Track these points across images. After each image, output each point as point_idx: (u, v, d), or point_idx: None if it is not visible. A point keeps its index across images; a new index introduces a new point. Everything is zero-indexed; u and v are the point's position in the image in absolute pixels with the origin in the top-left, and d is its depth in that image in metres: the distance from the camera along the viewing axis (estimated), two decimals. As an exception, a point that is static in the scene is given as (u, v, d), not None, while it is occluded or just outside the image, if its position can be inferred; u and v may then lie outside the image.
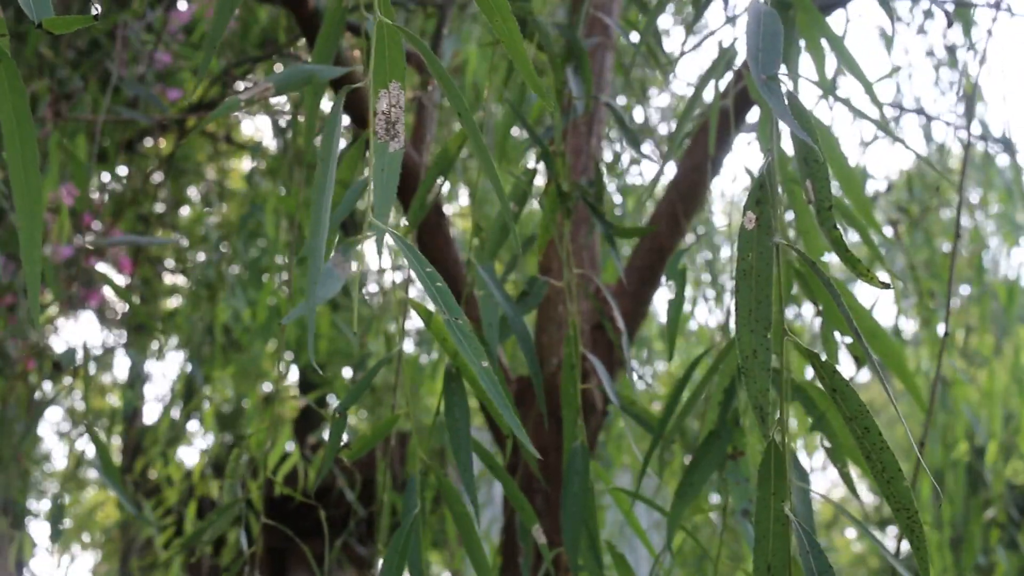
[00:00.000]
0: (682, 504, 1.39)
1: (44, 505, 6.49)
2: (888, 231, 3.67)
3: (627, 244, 2.76)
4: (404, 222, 1.76)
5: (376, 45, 0.89)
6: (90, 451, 2.24)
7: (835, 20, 2.93)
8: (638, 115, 3.82)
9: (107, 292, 3.39)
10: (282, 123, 3.66)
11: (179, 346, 4.20)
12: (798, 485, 1.29)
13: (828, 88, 1.65)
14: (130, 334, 4.05)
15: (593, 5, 2.21)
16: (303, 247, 1.54)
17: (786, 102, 0.92)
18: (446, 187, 3.94)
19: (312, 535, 2.74)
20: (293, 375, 4.81)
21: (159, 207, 4.28)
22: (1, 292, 2.99)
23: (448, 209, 4.08)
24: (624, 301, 2.20)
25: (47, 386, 3.45)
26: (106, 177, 3.65)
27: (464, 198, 4.47)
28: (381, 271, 4.01)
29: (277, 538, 3.56)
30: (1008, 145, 3.09)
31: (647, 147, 3.66)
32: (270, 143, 4.61)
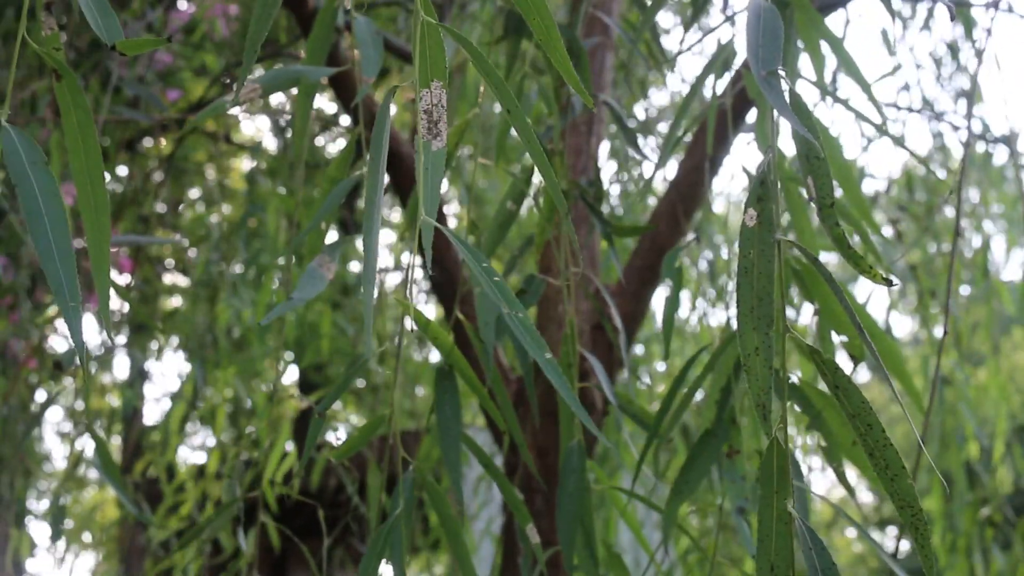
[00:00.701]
0: (678, 501, 1.39)
1: (44, 505, 6.49)
2: (889, 230, 3.67)
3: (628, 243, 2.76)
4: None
5: (420, 44, 0.89)
6: (90, 450, 2.24)
7: (835, 20, 2.93)
8: (640, 115, 3.82)
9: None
10: (282, 123, 3.67)
11: (179, 346, 4.20)
12: (796, 484, 1.28)
13: (826, 89, 1.65)
14: (130, 334, 4.04)
15: (593, 4, 2.21)
16: (295, 243, 1.54)
17: (787, 99, 0.92)
18: (445, 185, 3.93)
19: (311, 534, 2.74)
20: (293, 375, 4.82)
21: (159, 207, 4.28)
22: (1, 293, 2.99)
23: (448, 209, 4.08)
24: (624, 301, 2.20)
25: (47, 386, 3.45)
26: (106, 177, 3.64)
27: (460, 200, 4.46)
28: (383, 271, 4.00)
29: (259, 535, 3.56)
30: (1009, 144, 3.08)
31: (648, 146, 3.66)
32: (270, 143, 4.61)
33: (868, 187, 3.91)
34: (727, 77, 1.99)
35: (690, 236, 2.25)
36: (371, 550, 1.18)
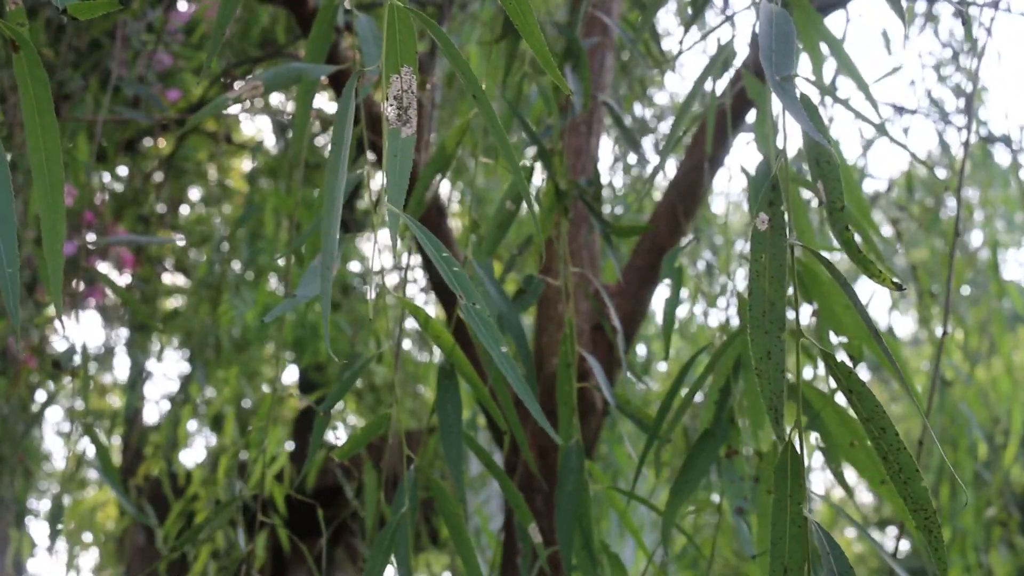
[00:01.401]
0: (677, 502, 1.39)
1: (44, 505, 6.49)
2: (890, 230, 3.67)
3: (626, 243, 2.76)
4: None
5: (387, 29, 0.88)
6: (90, 451, 2.24)
7: (834, 20, 2.93)
8: (640, 115, 3.82)
9: (108, 291, 3.40)
10: (283, 122, 3.67)
11: (180, 345, 4.20)
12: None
13: (826, 89, 1.65)
14: (131, 334, 4.05)
15: (592, 4, 2.21)
16: (296, 244, 1.54)
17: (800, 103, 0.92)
18: (446, 186, 3.93)
19: (312, 534, 2.74)
20: (293, 375, 4.81)
21: (159, 207, 4.29)
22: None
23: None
24: (623, 301, 2.20)
25: (47, 386, 3.45)
26: (106, 177, 3.65)
27: (462, 199, 4.46)
28: (382, 271, 4.00)
29: (276, 537, 3.56)
30: (1009, 144, 3.08)
31: (649, 147, 3.66)
32: (270, 143, 4.61)
33: (868, 187, 3.91)
34: (726, 77, 1.99)
35: (689, 237, 2.25)
36: (377, 549, 1.18)
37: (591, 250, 2.22)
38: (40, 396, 3.41)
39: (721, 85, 1.89)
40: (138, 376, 4.02)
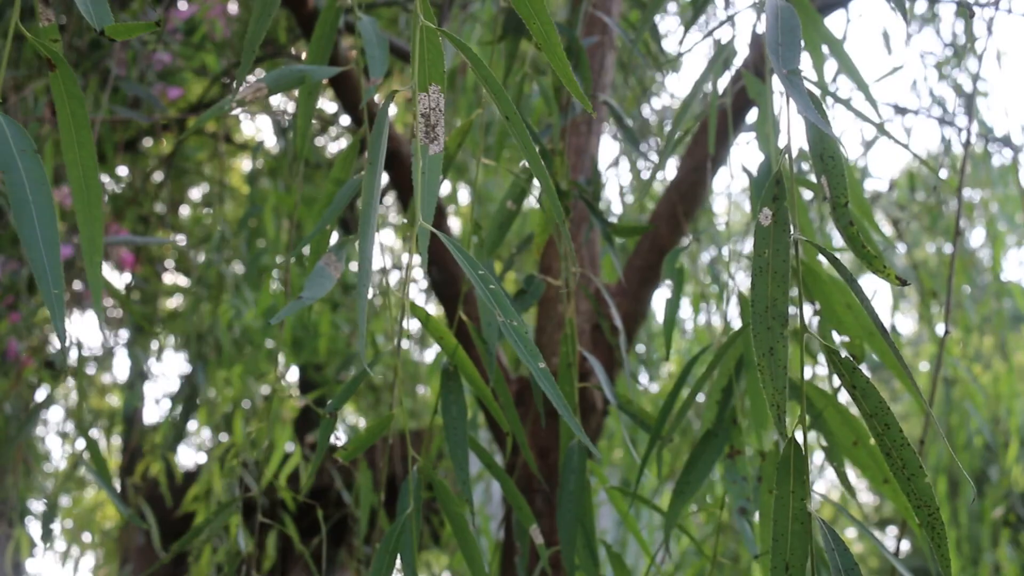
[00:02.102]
0: (680, 503, 1.39)
1: (43, 505, 6.47)
2: (890, 230, 3.67)
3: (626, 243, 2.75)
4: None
5: (418, 48, 0.89)
6: (86, 451, 2.24)
7: (835, 20, 2.93)
8: (645, 113, 3.82)
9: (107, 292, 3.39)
10: (283, 123, 3.66)
11: (179, 345, 4.19)
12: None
13: (827, 89, 1.65)
14: (131, 334, 4.04)
15: (593, 4, 2.20)
16: (300, 245, 1.54)
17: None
18: (447, 187, 3.93)
19: (313, 535, 2.74)
20: (293, 375, 4.81)
21: (159, 207, 4.28)
22: (1, 293, 2.98)
23: (449, 209, 4.07)
24: (624, 301, 2.20)
25: (47, 386, 3.45)
26: (106, 177, 3.64)
27: (463, 198, 4.46)
28: (383, 271, 4.00)
29: (279, 537, 3.56)
30: (1009, 144, 3.08)
31: (649, 146, 3.66)
32: (271, 143, 4.61)
33: (869, 187, 3.91)
34: (727, 76, 1.99)
35: (689, 237, 2.25)
36: (383, 548, 1.18)
37: (591, 250, 2.22)
38: (40, 396, 3.41)
39: (721, 85, 1.88)
40: (138, 376, 4.01)
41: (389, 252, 4.36)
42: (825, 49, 1.64)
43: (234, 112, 4.04)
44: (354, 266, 4.47)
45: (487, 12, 2.91)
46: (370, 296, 4.26)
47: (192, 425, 3.99)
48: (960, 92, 3.19)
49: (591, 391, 2.05)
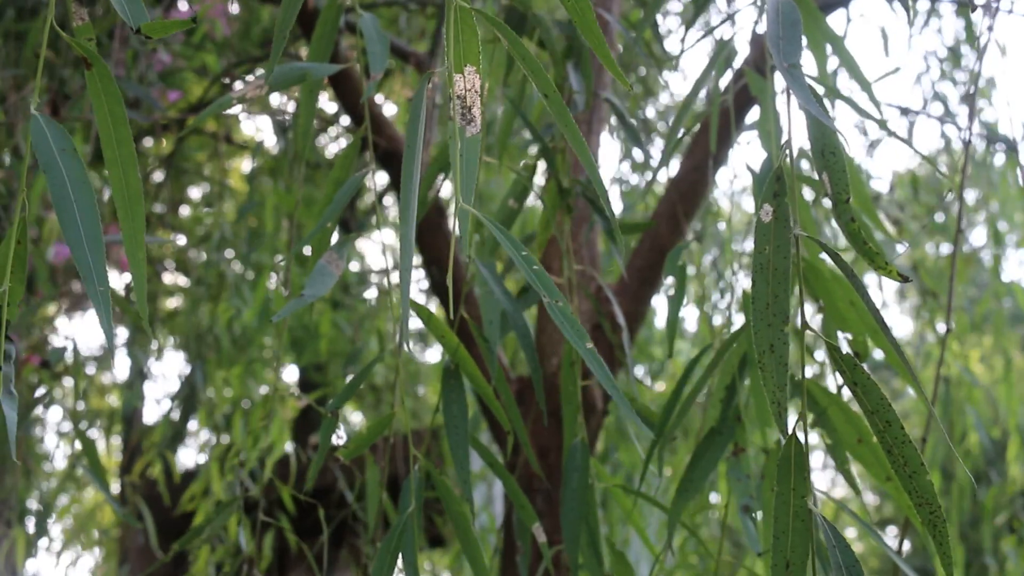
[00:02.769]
0: (683, 501, 1.39)
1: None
2: (891, 229, 3.66)
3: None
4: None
5: (452, 29, 0.88)
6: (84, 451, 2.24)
7: (835, 20, 2.93)
8: (640, 114, 3.82)
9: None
10: (284, 122, 3.66)
11: (179, 346, 4.19)
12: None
13: (830, 87, 1.65)
14: (131, 333, 4.04)
15: (594, 2, 2.20)
16: (300, 245, 1.54)
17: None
18: (448, 187, 3.93)
19: (313, 534, 2.73)
20: (293, 375, 4.81)
21: (159, 207, 4.28)
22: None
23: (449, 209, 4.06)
24: (624, 301, 2.20)
25: (45, 386, 3.44)
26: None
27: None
28: (384, 271, 4.00)
29: (276, 537, 3.55)
30: (1010, 144, 3.08)
31: (650, 146, 3.66)
32: (271, 143, 4.60)
33: (872, 186, 3.91)
34: (728, 75, 1.99)
35: (689, 237, 2.25)
36: (384, 548, 1.18)
37: (591, 249, 2.21)
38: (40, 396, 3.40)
39: (722, 84, 1.88)
40: (137, 375, 4.01)
41: (390, 252, 4.35)
42: (827, 49, 1.64)
43: (234, 111, 4.04)
44: (352, 266, 4.47)
45: (488, 11, 2.90)
46: (369, 296, 4.26)
47: (192, 425, 3.99)
48: (962, 92, 3.19)
49: (591, 390, 2.04)
